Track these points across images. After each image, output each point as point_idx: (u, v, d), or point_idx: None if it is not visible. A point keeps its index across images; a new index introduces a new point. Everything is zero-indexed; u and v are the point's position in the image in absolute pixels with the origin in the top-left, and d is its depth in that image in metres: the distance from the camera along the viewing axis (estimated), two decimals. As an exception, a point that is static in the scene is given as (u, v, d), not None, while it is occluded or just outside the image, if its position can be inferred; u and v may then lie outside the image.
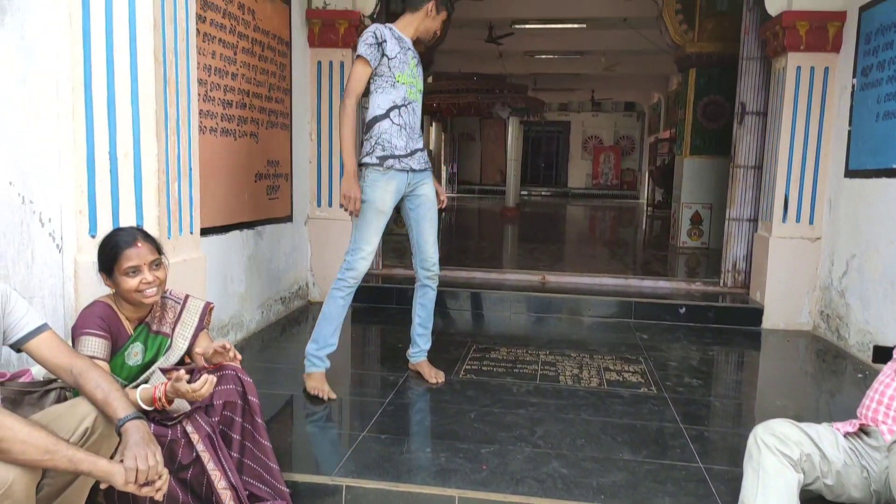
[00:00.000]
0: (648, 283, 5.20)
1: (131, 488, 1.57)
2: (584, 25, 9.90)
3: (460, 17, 7.78)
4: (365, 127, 2.92)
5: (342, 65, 4.65)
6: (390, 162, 2.88)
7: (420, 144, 3.03)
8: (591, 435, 2.62)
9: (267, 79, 3.96)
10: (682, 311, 4.58)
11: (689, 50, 6.88)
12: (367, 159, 2.90)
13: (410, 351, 3.31)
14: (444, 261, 6.21)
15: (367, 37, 2.83)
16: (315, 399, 2.90)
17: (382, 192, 2.90)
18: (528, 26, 10.10)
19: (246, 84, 3.69)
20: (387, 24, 2.92)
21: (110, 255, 1.99)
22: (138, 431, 1.66)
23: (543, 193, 21.22)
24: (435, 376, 3.19)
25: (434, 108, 11.33)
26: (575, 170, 22.63)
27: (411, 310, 3.29)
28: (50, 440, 1.52)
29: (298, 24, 4.43)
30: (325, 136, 4.74)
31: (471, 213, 14.04)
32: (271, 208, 4.14)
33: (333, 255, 4.71)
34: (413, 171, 2.98)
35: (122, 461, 1.58)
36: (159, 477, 1.60)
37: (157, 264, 2.04)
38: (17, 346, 1.81)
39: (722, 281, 5.02)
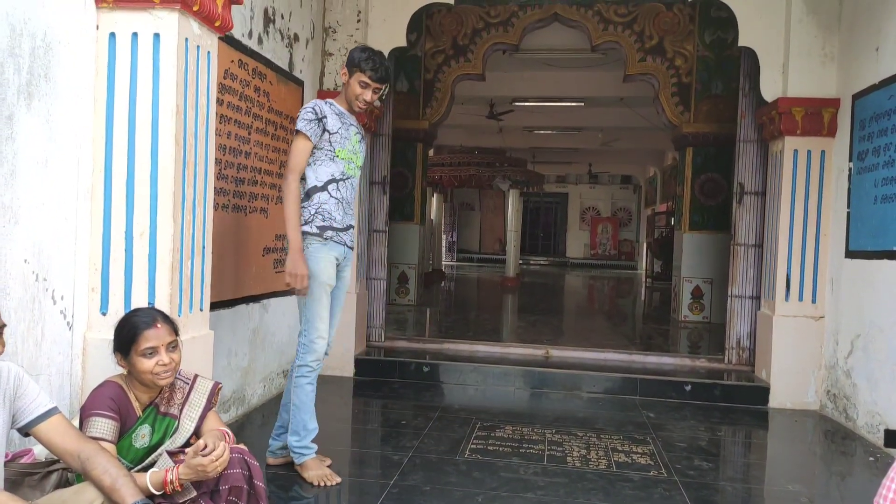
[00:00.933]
0: (653, 359, 5.17)
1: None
2: (582, 104, 10.23)
3: (463, 94, 8.05)
4: (304, 196, 2.87)
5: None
6: (329, 233, 2.86)
7: (353, 221, 3.02)
8: (602, 523, 2.56)
9: (278, 156, 4.06)
10: (688, 388, 4.54)
11: (685, 130, 7.09)
12: (307, 228, 2.83)
13: (276, 446, 3.07)
14: (447, 333, 6.22)
15: (306, 112, 2.81)
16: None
17: (325, 264, 2.84)
18: (527, 104, 10.43)
19: (258, 162, 3.79)
20: (327, 100, 2.90)
21: (129, 335, 1.99)
22: (145, 519, 1.62)
23: (542, 262, 21.34)
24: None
25: (436, 180, 11.55)
26: (573, 240, 22.85)
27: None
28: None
29: (309, 104, 4.57)
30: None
31: (470, 282, 14.09)
32: (277, 281, 4.16)
33: (338, 328, 4.71)
34: (346, 246, 2.96)
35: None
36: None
37: (173, 346, 2.04)
38: (25, 430, 1.80)
39: (727, 358, 4.99)
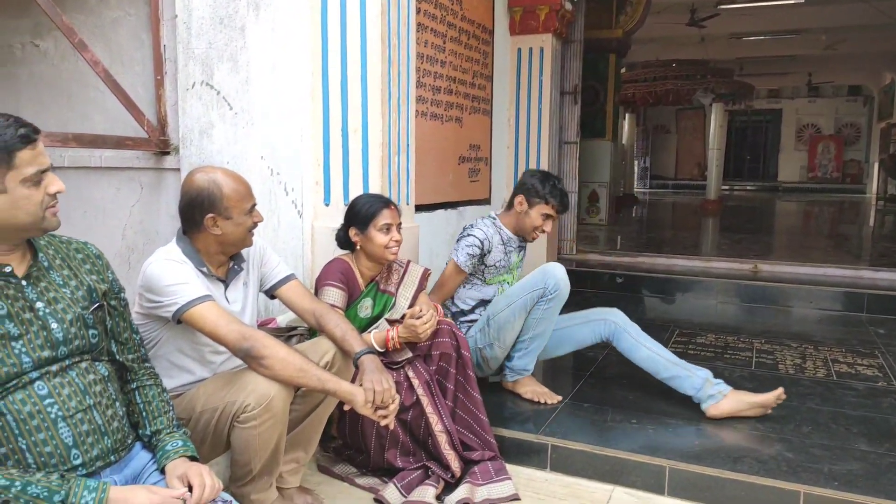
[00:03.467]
0: (885, 275, 4.58)
1: (367, 410, 1.75)
2: (802, 0, 8.97)
3: (659, 2, 7.47)
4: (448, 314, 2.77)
5: (542, 51, 4.69)
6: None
7: None
8: (819, 423, 2.39)
9: (471, 66, 4.12)
10: (930, 306, 3.98)
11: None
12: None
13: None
14: (641, 249, 6.03)
15: (472, 246, 2.65)
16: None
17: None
18: (735, 6, 9.37)
19: (453, 71, 3.88)
20: (496, 223, 2.76)
21: (369, 212, 2.22)
22: (373, 362, 1.84)
23: (748, 188, 19.56)
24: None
25: (629, 98, 10.96)
26: (787, 162, 20.53)
27: None
28: (303, 361, 1.75)
29: (501, 13, 4.56)
30: (522, 123, 4.82)
31: (665, 206, 13.39)
32: (472, 191, 4.31)
33: (529, 239, 4.79)
34: None
35: (361, 385, 1.76)
36: (392, 401, 1.76)
37: (399, 227, 2.26)
38: (271, 293, 2.10)
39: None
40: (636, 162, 17.84)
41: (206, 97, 2.72)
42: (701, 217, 10.48)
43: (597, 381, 2.82)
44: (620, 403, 2.59)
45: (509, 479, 2.13)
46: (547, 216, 2.69)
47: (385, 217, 2.22)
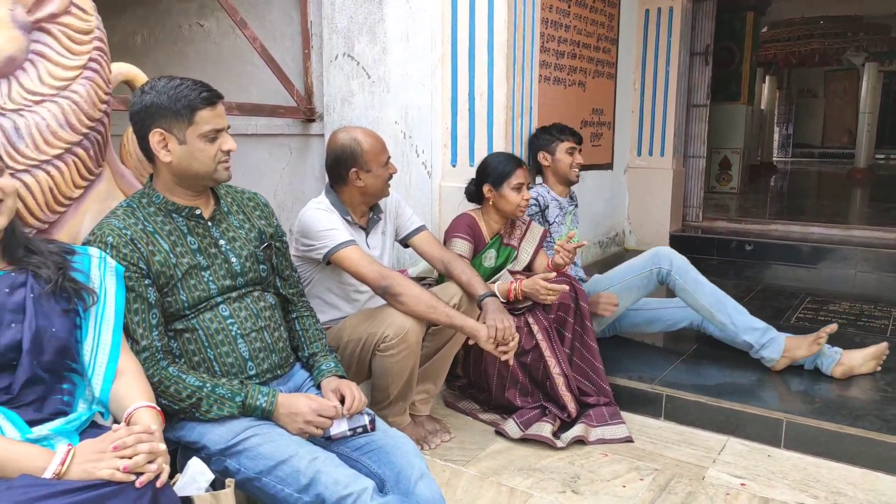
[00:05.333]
0: None
1: (489, 345, 1.93)
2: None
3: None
4: None
5: (671, 11, 4.58)
6: None
7: None
8: (958, 390, 2.29)
9: (596, 29, 4.13)
10: None
11: None
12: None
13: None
14: (776, 216, 5.74)
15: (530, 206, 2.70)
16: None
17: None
18: (896, -49, 8.49)
19: (577, 35, 3.92)
20: (543, 186, 2.85)
21: (505, 170, 2.40)
22: (495, 304, 2.02)
23: (906, 157, 17.68)
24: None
25: (769, 58, 10.25)
26: (956, 127, 18.31)
27: None
28: (433, 299, 1.96)
29: (627, -26, 4.50)
30: (648, 86, 4.75)
31: (807, 175, 12.45)
32: (594, 155, 4.34)
33: (651, 204, 4.75)
34: None
35: (484, 323, 1.95)
36: (512, 339, 1.93)
37: (529, 187, 2.43)
38: (405, 241, 2.33)
39: None
40: (777, 129, 16.66)
41: (348, 68, 2.98)
42: (846, 187, 9.70)
43: (713, 339, 2.83)
44: (738, 359, 2.59)
45: (623, 423, 2.25)
46: (570, 149, 2.80)
47: (518, 177, 2.38)
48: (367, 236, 2.20)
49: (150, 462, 1.17)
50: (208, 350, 1.66)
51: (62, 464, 1.13)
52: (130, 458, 1.15)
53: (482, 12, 2.75)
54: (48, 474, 1.11)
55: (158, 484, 1.17)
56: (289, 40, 3.29)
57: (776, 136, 16.74)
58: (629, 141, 4.85)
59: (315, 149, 3.27)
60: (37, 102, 1.59)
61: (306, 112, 3.18)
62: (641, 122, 4.82)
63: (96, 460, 1.14)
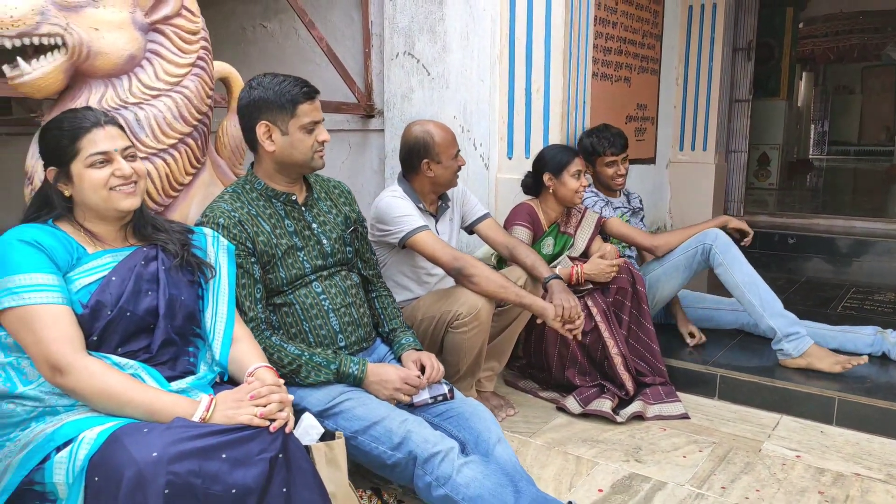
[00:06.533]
0: None
1: (556, 323, 2.06)
2: None
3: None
4: None
5: (714, 6, 4.65)
6: None
7: None
8: None
9: (641, 26, 4.22)
10: None
11: None
12: None
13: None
14: (818, 210, 5.76)
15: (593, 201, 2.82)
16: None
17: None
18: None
19: (623, 31, 4.02)
20: (592, 189, 2.90)
21: (563, 159, 2.53)
22: (560, 285, 2.15)
23: (948, 154, 17.28)
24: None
25: (807, 55, 10.19)
26: None
27: None
28: (504, 279, 2.10)
29: (671, -29, 4.58)
30: (691, 81, 4.82)
31: (845, 172, 12.30)
32: (637, 150, 4.43)
33: (693, 198, 4.82)
34: None
35: (551, 302, 2.08)
36: (578, 317, 2.06)
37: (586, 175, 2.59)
38: (470, 228, 2.47)
39: None
40: (812, 126, 16.45)
41: (408, 65, 3.13)
42: (885, 183, 9.59)
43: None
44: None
45: (679, 401, 2.36)
46: (613, 162, 2.82)
47: (577, 164, 2.50)
48: (436, 223, 2.35)
49: (280, 411, 1.32)
50: (304, 322, 1.82)
51: (207, 410, 1.29)
52: (265, 406, 1.31)
53: (540, 12, 2.88)
54: (196, 418, 1.27)
55: (287, 430, 1.32)
56: (349, 40, 3.45)
57: (811, 134, 16.52)
58: (671, 136, 4.93)
59: (373, 144, 3.43)
60: (154, 97, 1.76)
61: (366, 108, 3.34)
62: (684, 117, 4.90)
63: (236, 407, 1.30)
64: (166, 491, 1.12)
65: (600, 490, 1.86)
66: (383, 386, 1.78)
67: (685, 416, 2.30)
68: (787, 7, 6.83)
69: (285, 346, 1.74)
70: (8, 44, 1.58)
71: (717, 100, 4.72)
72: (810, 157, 13.78)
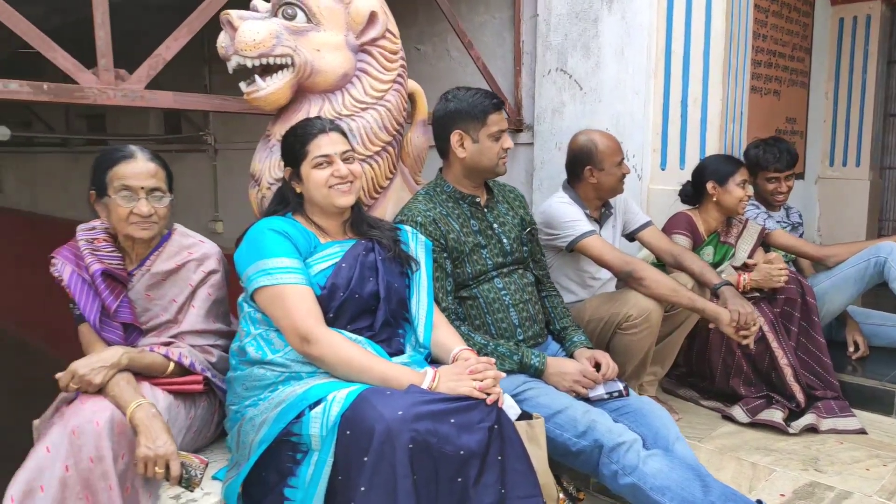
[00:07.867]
0: None
1: (730, 329, 2.07)
2: None
3: None
4: None
5: (867, 19, 4.46)
6: None
7: None
8: None
9: (791, 39, 4.13)
10: None
11: None
12: None
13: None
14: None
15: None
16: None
17: None
18: None
19: (773, 44, 3.95)
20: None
21: (728, 167, 2.54)
22: (733, 291, 2.16)
23: None
24: None
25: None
26: None
27: None
28: (675, 283, 2.13)
29: (822, -17, 4.45)
30: (842, 95, 4.62)
31: None
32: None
33: (843, 216, 4.60)
34: None
35: (726, 308, 2.09)
36: (754, 324, 2.06)
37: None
38: (632, 235, 2.52)
39: None
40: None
41: (560, 81, 3.25)
42: None
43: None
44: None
45: (854, 416, 2.28)
46: (776, 179, 2.87)
47: (742, 174, 2.51)
48: (600, 229, 2.42)
49: (493, 386, 1.45)
50: (487, 315, 1.95)
51: (433, 380, 1.44)
52: (482, 381, 1.44)
53: (699, 25, 2.91)
54: (424, 386, 1.42)
55: (500, 404, 1.44)
56: (500, 59, 3.62)
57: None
58: (820, 151, 4.74)
59: (522, 157, 3.56)
60: (363, 109, 1.97)
61: (516, 123, 3.48)
62: (834, 131, 4.70)
63: (457, 380, 1.44)
64: (410, 446, 1.27)
65: (782, 495, 1.85)
66: (563, 378, 1.88)
67: (862, 431, 2.22)
68: (947, 15, 6.36)
69: (473, 335, 1.88)
70: (249, 63, 1.84)
71: (871, 113, 4.51)
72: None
